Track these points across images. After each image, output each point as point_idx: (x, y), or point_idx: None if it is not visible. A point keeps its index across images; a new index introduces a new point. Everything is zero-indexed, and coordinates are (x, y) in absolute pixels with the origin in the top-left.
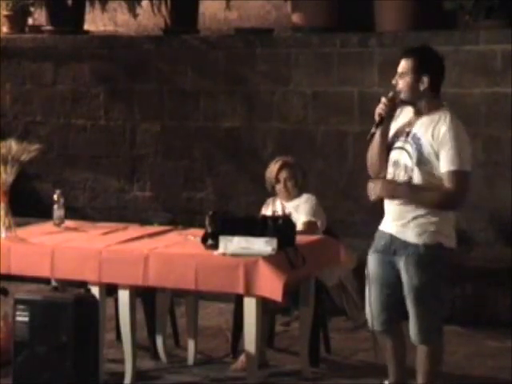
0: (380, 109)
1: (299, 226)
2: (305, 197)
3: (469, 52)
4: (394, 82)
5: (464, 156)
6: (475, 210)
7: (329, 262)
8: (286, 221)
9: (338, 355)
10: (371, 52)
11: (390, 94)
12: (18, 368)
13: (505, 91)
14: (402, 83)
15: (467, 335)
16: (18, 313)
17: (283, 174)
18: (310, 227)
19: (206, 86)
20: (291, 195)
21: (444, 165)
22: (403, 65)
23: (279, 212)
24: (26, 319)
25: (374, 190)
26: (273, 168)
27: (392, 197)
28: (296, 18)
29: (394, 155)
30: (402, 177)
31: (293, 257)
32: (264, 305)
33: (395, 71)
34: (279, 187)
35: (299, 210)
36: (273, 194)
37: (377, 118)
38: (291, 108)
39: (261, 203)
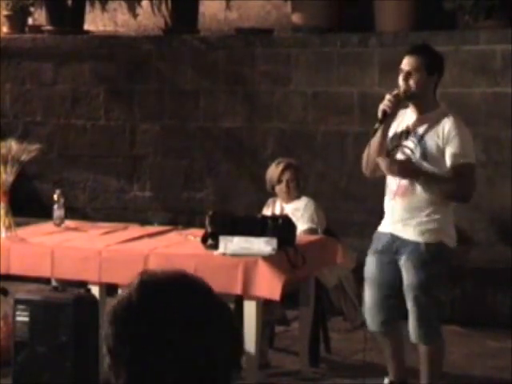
0: (384, 105)
1: (300, 234)
2: (304, 200)
3: (469, 52)
4: (401, 78)
5: (468, 150)
6: (475, 210)
7: (328, 262)
8: (286, 221)
9: (338, 355)
10: (371, 52)
11: (395, 91)
12: (18, 368)
13: (505, 91)
14: (413, 79)
15: (467, 335)
16: (17, 313)
17: (286, 176)
18: (311, 235)
19: (206, 86)
20: (291, 196)
21: (451, 159)
22: (412, 62)
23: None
24: (26, 319)
25: (390, 168)
26: (276, 168)
27: (406, 176)
28: (296, 18)
29: (395, 154)
30: None
31: (293, 257)
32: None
33: (395, 71)
34: (280, 188)
35: (299, 214)
36: (272, 194)
37: (380, 114)
38: (291, 108)
39: (261, 203)
